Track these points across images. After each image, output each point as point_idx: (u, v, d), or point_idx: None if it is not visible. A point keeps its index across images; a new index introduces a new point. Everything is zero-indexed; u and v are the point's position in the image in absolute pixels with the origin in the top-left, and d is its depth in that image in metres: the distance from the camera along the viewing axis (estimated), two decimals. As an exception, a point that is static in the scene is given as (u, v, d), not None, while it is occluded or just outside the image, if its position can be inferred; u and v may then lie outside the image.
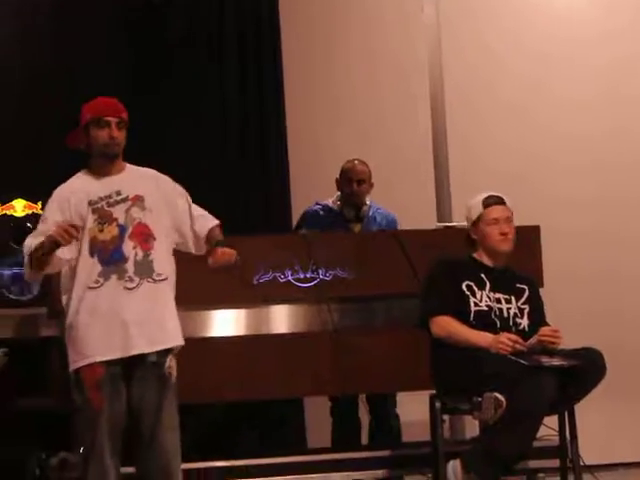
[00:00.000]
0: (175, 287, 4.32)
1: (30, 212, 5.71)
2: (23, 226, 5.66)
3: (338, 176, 5.81)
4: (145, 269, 4.23)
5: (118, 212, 4.25)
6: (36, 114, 6.23)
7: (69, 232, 4.03)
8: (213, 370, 5.09)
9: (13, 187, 5.80)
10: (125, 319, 4.16)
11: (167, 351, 4.26)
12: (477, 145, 6.75)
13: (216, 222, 4.42)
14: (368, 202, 5.82)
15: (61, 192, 4.31)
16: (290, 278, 5.22)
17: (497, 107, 6.82)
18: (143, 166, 4.47)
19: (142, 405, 4.19)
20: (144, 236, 4.26)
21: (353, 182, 5.75)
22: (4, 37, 6.38)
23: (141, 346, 4.19)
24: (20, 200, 5.72)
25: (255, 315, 5.25)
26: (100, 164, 4.32)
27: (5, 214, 5.69)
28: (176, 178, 6.05)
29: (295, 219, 6.13)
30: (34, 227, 5.34)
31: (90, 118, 4.29)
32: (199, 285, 5.05)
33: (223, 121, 6.61)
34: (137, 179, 4.37)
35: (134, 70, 6.54)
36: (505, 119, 6.82)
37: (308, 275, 5.23)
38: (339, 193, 5.82)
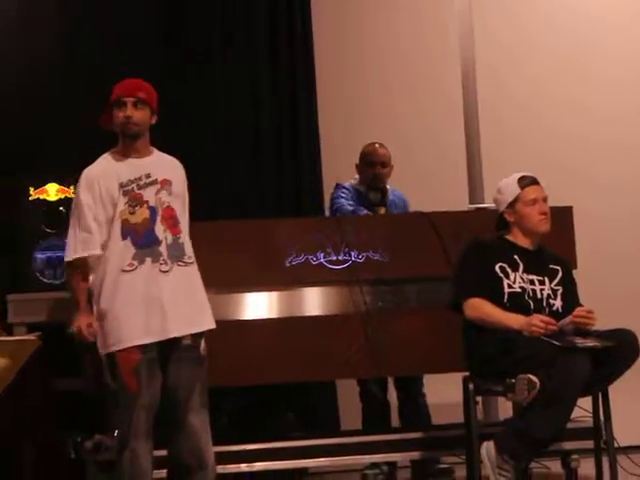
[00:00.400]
0: None
1: (63, 196, 5.72)
2: (56, 210, 5.68)
3: (358, 161, 5.80)
4: (177, 252, 4.27)
5: (148, 195, 4.29)
6: (69, 100, 6.24)
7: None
8: (246, 353, 5.11)
9: (46, 171, 5.82)
10: (163, 302, 4.20)
11: (201, 333, 4.29)
12: (509, 126, 6.71)
13: None
14: (388, 186, 5.81)
15: (89, 173, 4.34)
16: (322, 260, 5.22)
17: (529, 87, 6.78)
18: (175, 153, 4.52)
19: (177, 385, 4.23)
20: (173, 220, 4.30)
21: (376, 165, 5.74)
22: (41, 26, 6.40)
23: (178, 329, 4.23)
24: (53, 184, 5.74)
25: (288, 297, 5.25)
26: (125, 145, 4.36)
27: (38, 198, 5.71)
28: (207, 163, 6.07)
29: (327, 202, 6.10)
30: (67, 211, 5.39)
31: (113, 99, 4.33)
32: (232, 268, 5.07)
33: (256, 106, 6.60)
34: (165, 164, 4.43)
35: (171, 61, 6.55)
36: (538, 99, 6.77)
37: (340, 257, 5.22)
38: (358, 177, 5.80)
